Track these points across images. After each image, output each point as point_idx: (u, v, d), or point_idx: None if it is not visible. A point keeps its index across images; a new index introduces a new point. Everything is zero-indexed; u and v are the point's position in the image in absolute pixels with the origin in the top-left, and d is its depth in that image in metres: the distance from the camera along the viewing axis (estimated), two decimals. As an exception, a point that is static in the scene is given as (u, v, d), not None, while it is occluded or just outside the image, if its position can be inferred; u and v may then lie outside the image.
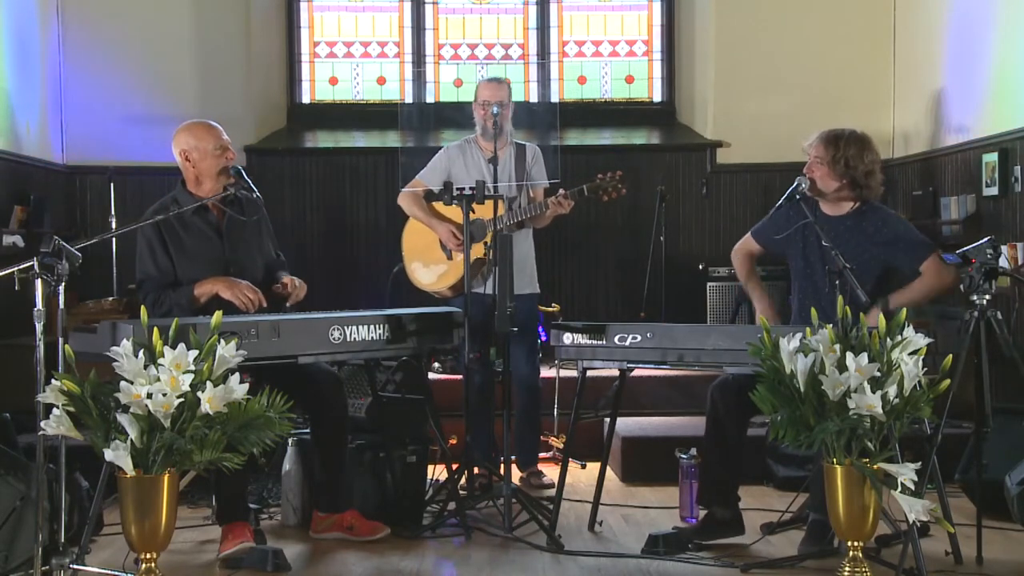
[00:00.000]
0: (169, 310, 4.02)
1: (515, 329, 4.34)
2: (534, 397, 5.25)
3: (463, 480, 4.70)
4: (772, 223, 4.35)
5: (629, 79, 7.83)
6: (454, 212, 5.04)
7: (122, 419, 3.06)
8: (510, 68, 7.77)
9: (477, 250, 4.87)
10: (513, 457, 5.32)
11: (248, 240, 4.29)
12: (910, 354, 3.22)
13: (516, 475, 5.26)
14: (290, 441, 4.50)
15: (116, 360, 3.14)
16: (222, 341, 3.21)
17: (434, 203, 5.15)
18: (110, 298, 6.42)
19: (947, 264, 4.00)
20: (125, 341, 3.18)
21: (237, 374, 3.21)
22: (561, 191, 5.00)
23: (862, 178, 4.13)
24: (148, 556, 3.17)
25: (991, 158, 5.88)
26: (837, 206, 4.20)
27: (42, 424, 3.19)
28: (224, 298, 4.03)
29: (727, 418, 4.11)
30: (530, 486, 5.16)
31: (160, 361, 3.11)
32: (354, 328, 4.04)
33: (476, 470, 4.82)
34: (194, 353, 3.14)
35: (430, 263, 5.19)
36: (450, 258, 5.12)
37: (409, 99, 7.76)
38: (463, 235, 4.98)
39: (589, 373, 4.31)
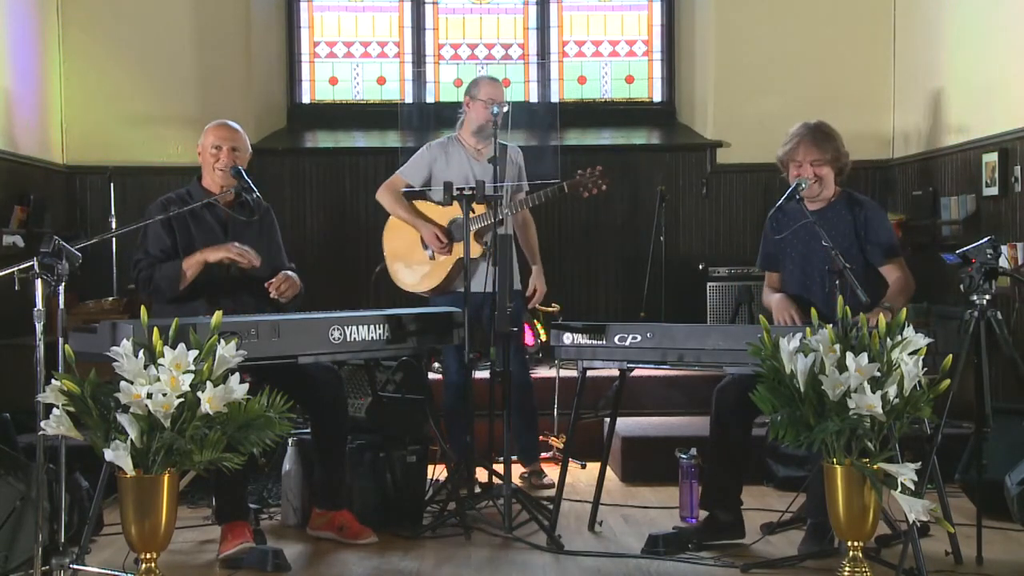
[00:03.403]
0: (157, 286, 4.10)
1: (515, 329, 4.33)
2: (527, 394, 5.23)
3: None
4: (768, 239, 4.37)
5: (629, 79, 7.82)
6: (435, 211, 5.03)
7: (122, 419, 3.06)
8: (510, 68, 7.77)
9: (459, 250, 4.84)
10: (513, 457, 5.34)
11: (253, 241, 4.30)
12: (910, 354, 3.22)
13: (516, 474, 5.27)
14: (290, 441, 4.51)
15: (116, 360, 3.14)
16: (222, 341, 3.21)
17: (415, 202, 5.13)
18: (110, 298, 6.42)
19: (905, 270, 4.15)
20: (125, 341, 3.18)
21: (237, 374, 3.21)
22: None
23: (846, 165, 4.25)
24: (148, 556, 3.17)
25: (991, 158, 5.88)
26: (819, 200, 4.23)
27: (42, 424, 3.19)
28: (212, 262, 4.09)
29: (731, 421, 4.11)
30: (531, 486, 5.15)
31: (160, 361, 3.11)
32: (354, 328, 4.04)
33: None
34: (194, 353, 3.14)
35: (412, 264, 5.15)
36: (432, 258, 5.08)
37: (409, 99, 7.75)
38: (446, 238, 5.00)
39: (589, 373, 4.31)
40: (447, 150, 5.16)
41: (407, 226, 5.12)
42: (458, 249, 4.82)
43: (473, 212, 4.63)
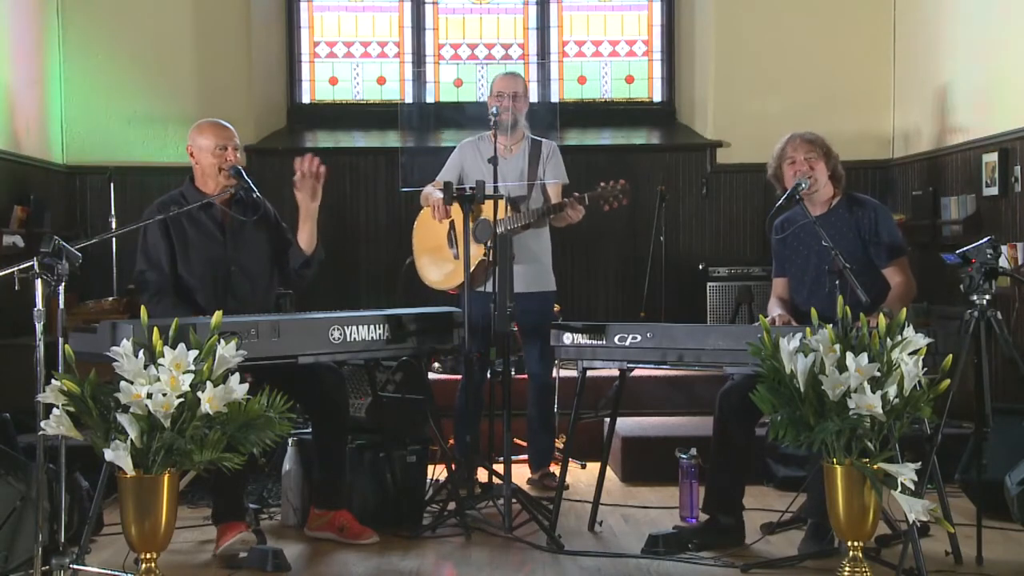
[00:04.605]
0: (151, 311, 4.02)
1: (515, 329, 4.33)
2: (548, 397, 5.25)
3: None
4: (772, 243, 4.38)
5: (629, 79, 7.82)
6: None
7: (122, 419, 3.06)
8: (510, 68, 7.75)
9: (481, 250, 4.85)
10: (525, 456, 5.34)
11: (252, 241, 4.30)
12: (910, 354, 3.22)
13: (527, 476, 5.27)
14: (290, 441, 4.51)
15: (116, 360, 3.14)
16: (222, 341, 3.21)
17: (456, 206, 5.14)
18: (110, 298, 6.42)
19: (907, 273, 4.16)
20: (125, 341, 3.18)
21: (237, 374, 3.21)
22: (575, 194, 4.98)
23: (839, 167, 4.27)
24: (148, 556, 3.17)
25: (991, 158, 5.88)
26: (820, 204, 4.23)
27: (42, 424, 3.19)
28: None
29: (734, 425, 4.10)
30: (544, 488, 5.14)
31: (160, 361, 3.11)
32: (354, 328, 4.04)
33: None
34: (194, 353, 3.14)
35: (438, 260, 5.18)
36: (457, 257, 5.09)
37: (409, 99, 7.75)
38: (464, 234, 4.99)
39: (589, 373, 4.31)
40: (479, 148, 5.21)
41: (435, 222, 5.14)
42: (480, 249, 4.82)
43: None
